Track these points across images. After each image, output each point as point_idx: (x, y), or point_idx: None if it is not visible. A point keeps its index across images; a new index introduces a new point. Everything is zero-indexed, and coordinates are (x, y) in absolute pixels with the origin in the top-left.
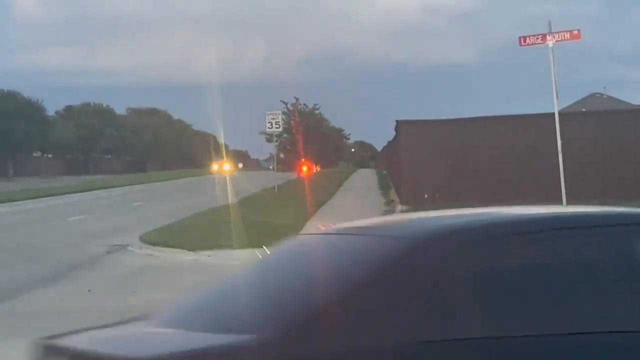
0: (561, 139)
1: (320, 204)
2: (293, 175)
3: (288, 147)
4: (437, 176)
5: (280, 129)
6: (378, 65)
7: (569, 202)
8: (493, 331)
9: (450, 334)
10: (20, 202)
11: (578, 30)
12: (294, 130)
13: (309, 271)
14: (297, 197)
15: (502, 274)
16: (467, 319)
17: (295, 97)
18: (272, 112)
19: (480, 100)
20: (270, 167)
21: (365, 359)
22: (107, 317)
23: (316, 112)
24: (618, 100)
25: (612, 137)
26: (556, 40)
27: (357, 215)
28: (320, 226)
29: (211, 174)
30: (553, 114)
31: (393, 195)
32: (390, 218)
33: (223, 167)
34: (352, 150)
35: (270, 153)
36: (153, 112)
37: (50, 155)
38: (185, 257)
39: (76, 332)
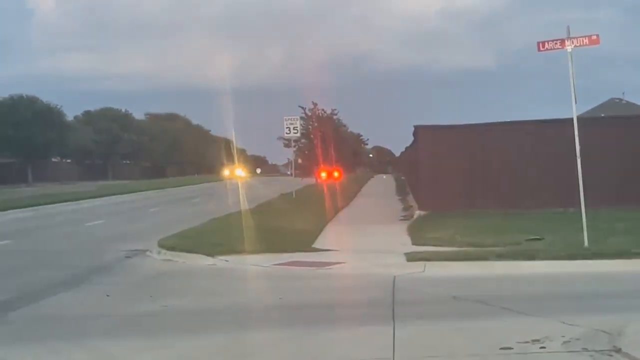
0: (580, 144)
1: (337, 209)
2: (311, 181)
3: (306, 152)
4: (455, 182)
5: (298, 134)
6: (397, 70)
7: (587, 208)
8: None
9: None
10: (39, 207)
11: (597, 35)
12: (311, 136)
13: None
14: (315, 203)
15: None
16: None
17: (313, 102)
18: (289, 117)
19: (499, 106)
20: (289, 173)
21: None
22: (124, 323)
23: (334, 117)
24: (637, 105)
25: (631, 142)
26: (575, 46)
27: (374, 220)
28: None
29: (229, 179)
30: (572, 119)
31: (411, 200)
32: None
33: (240, 172)
34: (370, 155)
35: (288, 158)
36: (172, 118)
37: (69, 161)
38: (203, 262)
39: None
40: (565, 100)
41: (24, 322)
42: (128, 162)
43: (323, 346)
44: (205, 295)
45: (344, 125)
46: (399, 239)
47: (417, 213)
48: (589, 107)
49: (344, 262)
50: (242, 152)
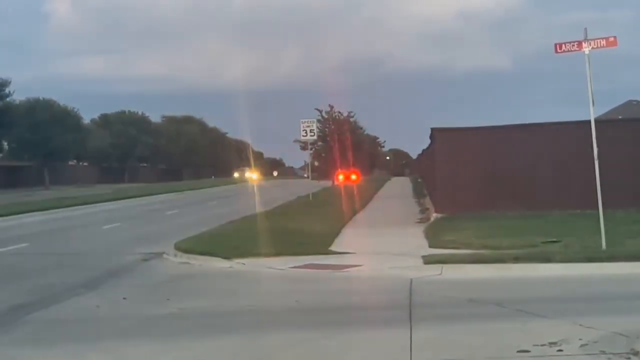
0: (597, 146)
1: (354, 212)
2: (328, 184)
3: (323, 154)
4: (472, 184)
5: (315, 137)
6: (413, 72)
7: (604, 210)
8: None
9: None
10: (56, 210)
11: (614, 37)
12: (328, 138)
13: None
14: (332, 205)
15: None
16: None
17: (329, 105)
18: (306, 120)
19: (515, 107)
20: (305, 175)
21: None
22: (141, 325)
23: (351, 119)
24: None
25: None
26: (592, 47)
27: (391, 223)
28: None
29: (245, 181)
30: (589, 121)
31: (428, 203)
32: None
33: (255, 175)
34: (387, 158)
35: (304, 161)
36: (188, 120)
37: (85, 164)
38: (219, 264)
39: None
40: (581, 102)
41: (42, 325)
42: (145, 164)
43: (340, 348)
44: (222, 298)
45: (361, 128)
46: (416, 241)
47: (434, 215)
48: (606, 109)
49: (360, 265)
50: (258, 155)
